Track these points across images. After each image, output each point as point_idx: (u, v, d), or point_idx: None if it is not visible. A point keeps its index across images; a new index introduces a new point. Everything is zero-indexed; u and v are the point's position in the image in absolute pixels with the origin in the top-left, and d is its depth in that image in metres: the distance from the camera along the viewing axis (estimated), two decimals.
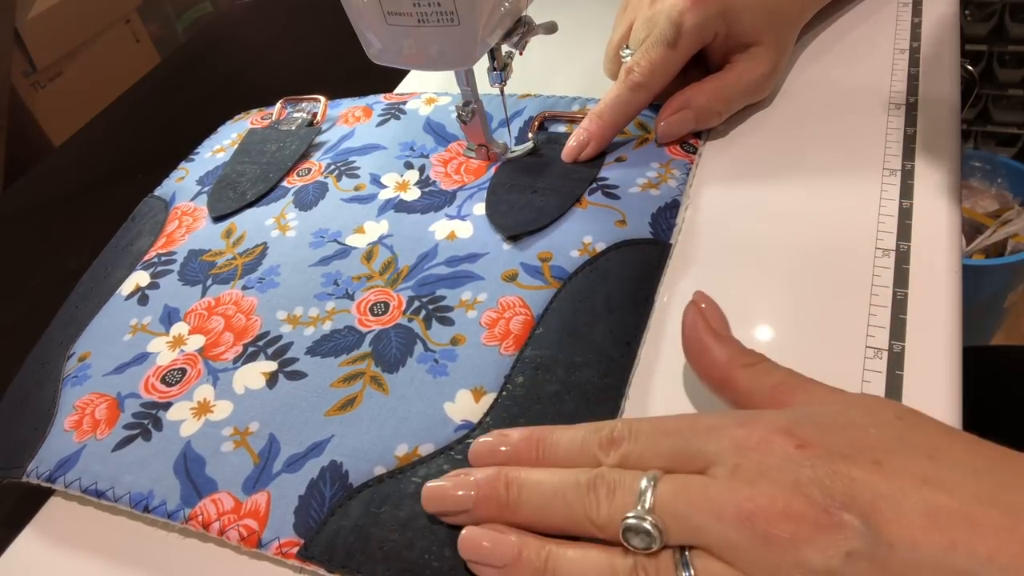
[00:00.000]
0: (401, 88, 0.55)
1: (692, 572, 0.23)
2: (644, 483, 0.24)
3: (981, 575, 0.20)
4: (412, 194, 0.43)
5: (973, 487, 0.21)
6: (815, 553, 0.21)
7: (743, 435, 0.24)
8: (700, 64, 0.43)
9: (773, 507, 0.22)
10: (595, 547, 0.25)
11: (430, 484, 0.28)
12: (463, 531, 0.26)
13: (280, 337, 0.36)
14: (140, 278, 0.42)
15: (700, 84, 0.42)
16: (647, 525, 0.23)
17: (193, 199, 0.47)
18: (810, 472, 0.22)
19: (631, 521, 0.23)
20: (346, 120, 0.50)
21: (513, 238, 0.38)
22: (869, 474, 0.22)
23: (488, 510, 0.26)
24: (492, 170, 0.43)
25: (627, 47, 0.43)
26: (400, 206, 0.42)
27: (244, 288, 0.39)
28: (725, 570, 0.23)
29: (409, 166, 0.45)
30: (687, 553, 0.23)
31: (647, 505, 0.24)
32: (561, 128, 0.45)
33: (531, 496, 0.26)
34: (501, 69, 0.40)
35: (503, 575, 0.25)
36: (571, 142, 0.41)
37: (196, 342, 0.37)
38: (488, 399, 0.31)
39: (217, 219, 0.44)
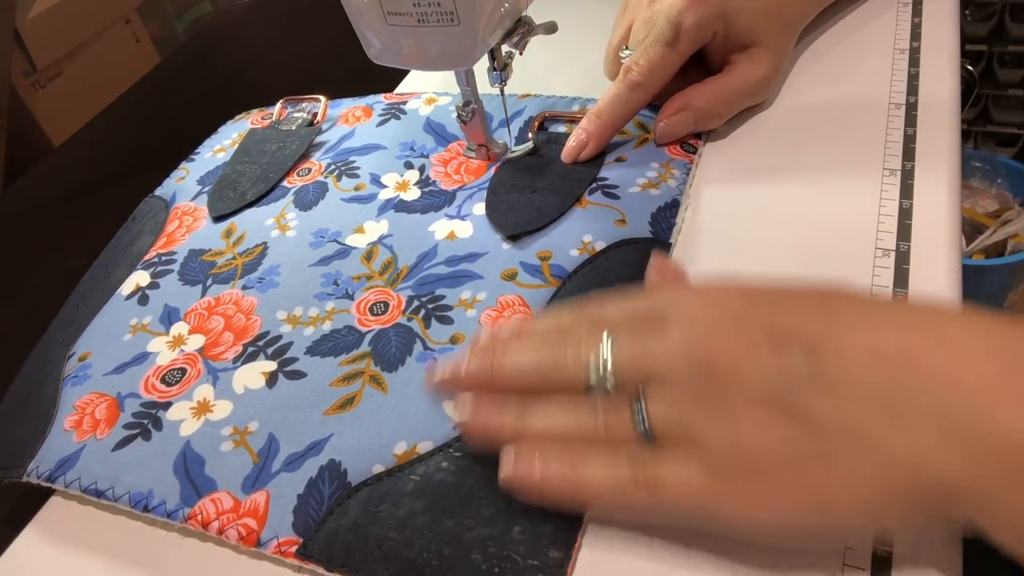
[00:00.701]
0: (401, 88, 0.55)
1: (644, 410, 0.25)
2: (605, 335, 0.26)
3: (915, 390, 0.22)
4: (412, 194, 0.43)
5: (917, 336, 0.23)
6: (756, 377, 0.23)
7: (701, 294, 0.27)
8: (701, 65, 0.43)
9: (723, 346, 0.24)
10: (562, 396, 0.27)
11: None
12: (458, 397, 0.29)
13: (280, 337, 0.36)
14: (140, 278, 0.42)
15: (700, 86, 0.41)
16: (606, 372, 0.26)
17: (193, 199, 0.47)
18: (760, 321, 0.24)
19: (592, 371, 0.26)
20: (346, 120, 0.50)
21: (513, 237, 0.38)
22: (816, 320, 0.24)
23: (478, 380, 0.29)
24: (492, 170, 0.43)
25: (627, 48, 0.43)
26: (400, 206, 0.42)
27: (244, 288, 0.39)
28: (673, 404, 0.25)
29: (409, 166, 0.45)
30: (642, 397, 0.25)
31: (606, 355, 0.26)
32: (561, 128, 0.45)
33: (513, 365, 0.28)
34: (501, 69, 0.40)
35: (488, 430, 0.28)
36: (570, 142, 0.41)
37: (196, 342, 0.37)
38: None
39: (217, 219, 0.44)
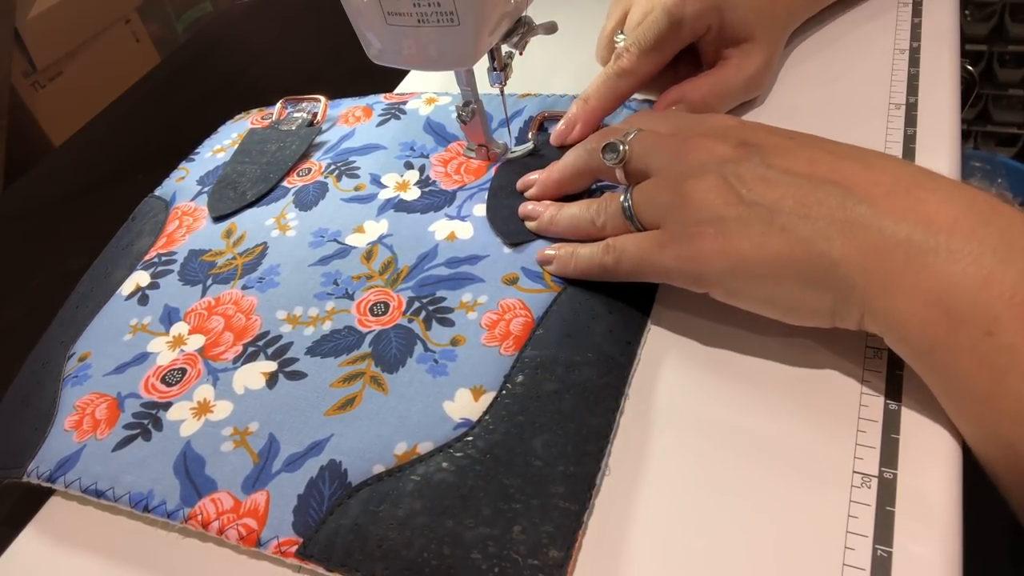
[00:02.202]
0: (401, 88, 0.55)
1: (631, 195, 0.33)
2: (635, 131, 0.35)
3: (830, 192, 0.28)
4: (412, 194, 0.43)
5: (852, 162, 0.29)
6: (715, 158, 0.31)
7: (710, 119, 0.35)
8: (693, 62, 0.43)
9: (701, 142, 0.32)
10: (585, 200, 0.37)
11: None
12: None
13: (280, 337, 0.36)
14: (140, 278, 0.42)
15: (695, 80, 0.42)
16: (620, 149, 0.34)
17: (193, 199, 0.47)
18: (738, 135, 0.32)
19: (613, 142, 0.35)
20: (346, 120, 0.50)
21: (514, 244, 0.38)
22: (780, 139, 0.31)
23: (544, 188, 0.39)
24: (492, 170, 0.43)
25: (621, 33, 0.43)
26: (400, 206, 0.42)
27: (244, 288, 0.39)
28: (649, 193, 0.33)
29: (409, 166, 0.45)
30: (630, 192, 0.34)
31: (628, 139, 0.35)
32: None
33: (564, 163, 0.39)
34: (501, 69, 0.40)
35: (541, 223, 0.38)
36: (559, 126, 0.41)
37: (196, 342, 0.37)
38: (487, 398, 0.31)
39: (217, 219, 0.44)
